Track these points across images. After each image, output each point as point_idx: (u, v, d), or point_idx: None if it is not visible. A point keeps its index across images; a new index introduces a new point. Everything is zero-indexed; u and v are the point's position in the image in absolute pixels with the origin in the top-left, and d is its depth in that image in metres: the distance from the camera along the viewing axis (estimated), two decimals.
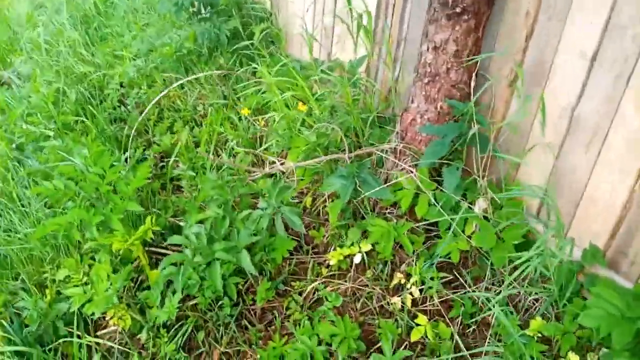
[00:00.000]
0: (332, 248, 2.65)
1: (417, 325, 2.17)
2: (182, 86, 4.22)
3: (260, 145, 3.44)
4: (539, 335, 2.03)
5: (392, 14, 2.98)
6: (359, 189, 2.34)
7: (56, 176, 2.56)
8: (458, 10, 2.14)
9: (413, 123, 2.45)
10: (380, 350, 2.12)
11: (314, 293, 2.44)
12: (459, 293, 2.30)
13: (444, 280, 2.34)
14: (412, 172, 2.32)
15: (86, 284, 2.41)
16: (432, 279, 2.27)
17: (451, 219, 2.23)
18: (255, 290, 2.49)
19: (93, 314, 2.21)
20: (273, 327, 2.39)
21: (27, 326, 2.29)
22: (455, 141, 2.22)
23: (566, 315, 1.99)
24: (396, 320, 2.26)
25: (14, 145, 3.45)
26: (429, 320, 2.22)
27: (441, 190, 2.32)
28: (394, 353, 2.05)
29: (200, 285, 2.33)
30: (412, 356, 2.13)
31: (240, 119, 3.74)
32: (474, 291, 2.28)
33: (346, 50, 3.40)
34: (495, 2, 2.23)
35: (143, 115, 3.27)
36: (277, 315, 2.40)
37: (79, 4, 5.77)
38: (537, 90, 2.19)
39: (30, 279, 2.55)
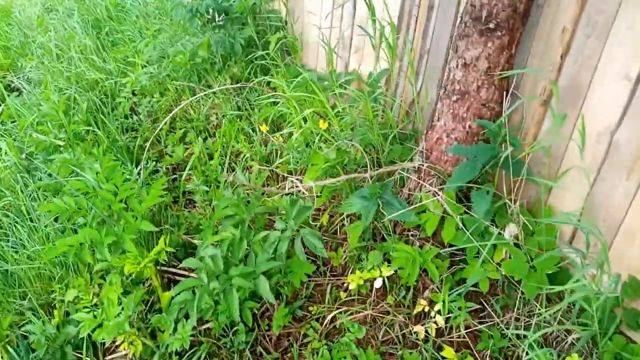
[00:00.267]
0: (350, 270, 2.54)
1: (443, 358, 2.05)
2: (194, 95, 4.14)
3: (275, 159, 3.35)
4: None
5: (415, 26, 2.87)
6: (382, 210, 2.23)
7: (67, 191, 2.47)
8: (491, 25, 2.03)
9: (439, 142, 2.34)
10: None
11: (333, 320, 2.33)
12: (486, 324, 2.18)
13: (470, 309, 2.22)
14: (438, 194, 2.21)
15: (96, 305, 2.32)
16: (459, 308, 2.15)
17: (480, 245, 2.11)
18: (270, 314, 2.39)
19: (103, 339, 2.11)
20: (289, 354, 2.28)
21: (34, 351, 2.20)
22: (486, 163, 2.11)
23: (606, 354, 1.87)
24: (420, 352, 2.15)
25: (23, 155, 3.37)
26: (455, 352, 2.10)
27: (469, 214, 2.21)
28: None
29: (214, 309, 2.22)
30: None
31: (253, 129, 3.65)
32: (504, 323, 2.16)
33: (365, 61, 3.29)
34: (529, 17, 2.12)
35: (159, 129, 3.17)
36: (293, 342, 2.29)
37: (91, 8, 5.70)
38: (572, 112, 2.08)
39: (37, 299, 2.46)
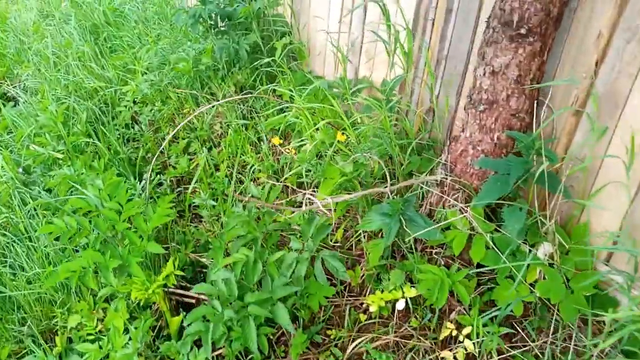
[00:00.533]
0: (369, 290, 2.41)
1: None
2: (197, 103, 3.99)
3: (285, 170, 3.21)
4: None
5: (432, 31, 2.74)
6: (405, 228, 2.09)
7: (67, 210, 2.32)
8: (523, 31, 1.90)
9: (464, 154, 2.20)
10: None
11: (354, 345, 2.19)
12: (520, 349, 2.04)
13: (501, 333, 2.08)
14: (464, 210, 2.07)
15: (100, 332, 2.18)
16: (490, 332, 2.01)
17: (513, 266, 1.98)
18: (287, 340, 2.25)
19: None
20: None
21: None
22: (519, 178, 1.97)
23: None
24: None
25: (20, 169, 3.22)
26: None
27: (499, 231, 2.07)
28: None
29: (228, 335, 2.08)
30: None
31: (260, 139, 3.51)
32: (538, 347, 2.02)
33: (376, 68, 3.16)
34: (561, 22, 1.98)
35: (165, 142, 3.02)
36: None
37: (88, 14, 5.55)
38: (610, 122, 1.94)
39: (38, 325, 2.31)
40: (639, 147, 1.85)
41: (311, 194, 2.25)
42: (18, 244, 2.63)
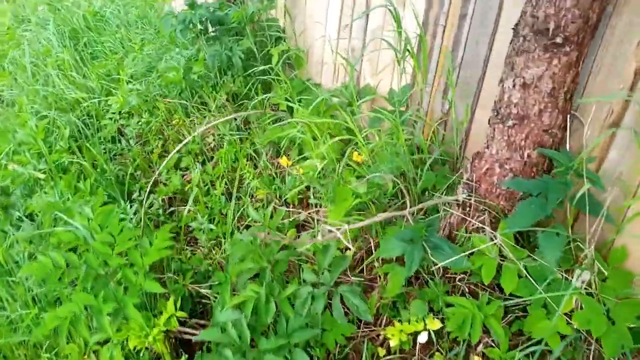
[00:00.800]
0: (385, 319, 2.22)
1: None
2: (187, 113, 3.77)
3: (284, 187, 3.01)
4: None
5: (443, 36, 2.56)
6: (431, 257, 1.90)
7: (53, 244, 2.09)
8: (558, 40, 1.72)
9: (489, 173, 2.03)
10: None
11: None
12: None
13: None
14: (495, 236, 1.89)
15: None
16: None
17: (548, 296, 1.81)
18: None
19: None
20: None
21: None
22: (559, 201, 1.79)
23: None
24: None
25: None
26: None
27: (531, 256, 1.90)
28: None
29: None
30: None
31: (256, 151, 3.30)
32: None
33: (380, 76, 2.97)
34: (597, 29, 1.81)
35: (162, 167, 2.79)
36: None
37: (67, 18, 5.27)
38: None
39: None
40: None
41: (323, 218, 2.06)
42: None
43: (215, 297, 2.32)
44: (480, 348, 2.02)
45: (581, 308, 1.86)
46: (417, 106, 2.69)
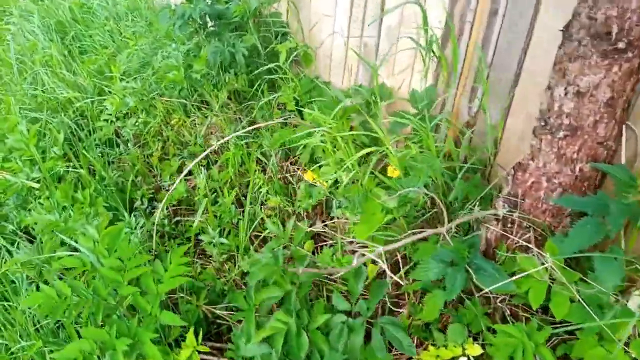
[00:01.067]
0: (417, 341, 2.08)
1: None
2: (187, 113, 3.55)
3: (296, 193, 2.84)
4: None
5: (470, 35, 2.39)
6: (476, 282, 1.75)
7: (55, 270, 1.89)
8: (621, 45, 1.56)
9: (535, 187, 1.87)
10: None
11: None
12: None
13: None
14: (545, 260, 1.74)
15: None
16: None
17: (602, 323, 1.67)
18: None
19: None
20: None
21: None
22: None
23: None
24: None
25: None
26: None
27: (584, 280, 1.75)
28: None
29: None
30: None
31: (264, 154, 3.11)
32: None
33: (395, 75, 2.79)
34: None
35: (170, 192, 2.58)
36: None
37: (52, 10, 4.98)
38: None
39: None
40: None
41: (352, 240, 1.89)
42: None
43: (231, 318, 2.16)
44: None
45: (639, 336, 1.73)
46: (441, 109, 2.53)
